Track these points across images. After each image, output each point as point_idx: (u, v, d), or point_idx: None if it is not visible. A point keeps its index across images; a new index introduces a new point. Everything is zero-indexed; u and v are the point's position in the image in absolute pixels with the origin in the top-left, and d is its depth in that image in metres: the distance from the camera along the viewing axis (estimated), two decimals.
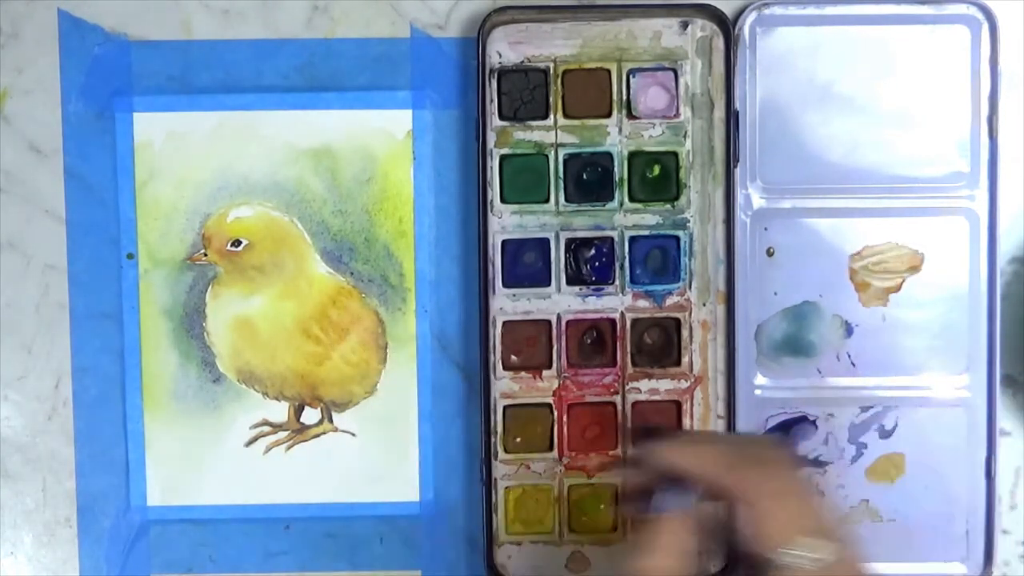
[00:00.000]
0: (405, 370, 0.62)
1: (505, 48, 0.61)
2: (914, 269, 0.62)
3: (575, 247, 0.61)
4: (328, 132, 0.62)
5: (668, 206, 0.61)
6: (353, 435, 0.62)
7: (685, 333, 0.61)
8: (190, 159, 0.61)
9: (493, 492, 0.61)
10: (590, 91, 0.61)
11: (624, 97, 0.61)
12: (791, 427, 0.62)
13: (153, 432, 0.62)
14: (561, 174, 0.61)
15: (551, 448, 0.61)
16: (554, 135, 0.61)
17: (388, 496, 0.62)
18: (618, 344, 0.61)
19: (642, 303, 0.61)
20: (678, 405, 0.61)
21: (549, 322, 0.61)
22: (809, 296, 0.62)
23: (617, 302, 0.61)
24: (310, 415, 0.62)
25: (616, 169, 0.61)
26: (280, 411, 0.62)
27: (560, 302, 0.61)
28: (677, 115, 0.61)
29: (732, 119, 0.61)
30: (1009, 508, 0.63)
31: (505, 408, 0.61)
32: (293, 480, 0.62)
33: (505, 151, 0.61)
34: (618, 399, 0.61)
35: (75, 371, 0.62)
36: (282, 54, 0.62)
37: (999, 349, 0.61)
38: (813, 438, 0.62)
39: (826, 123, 0.61)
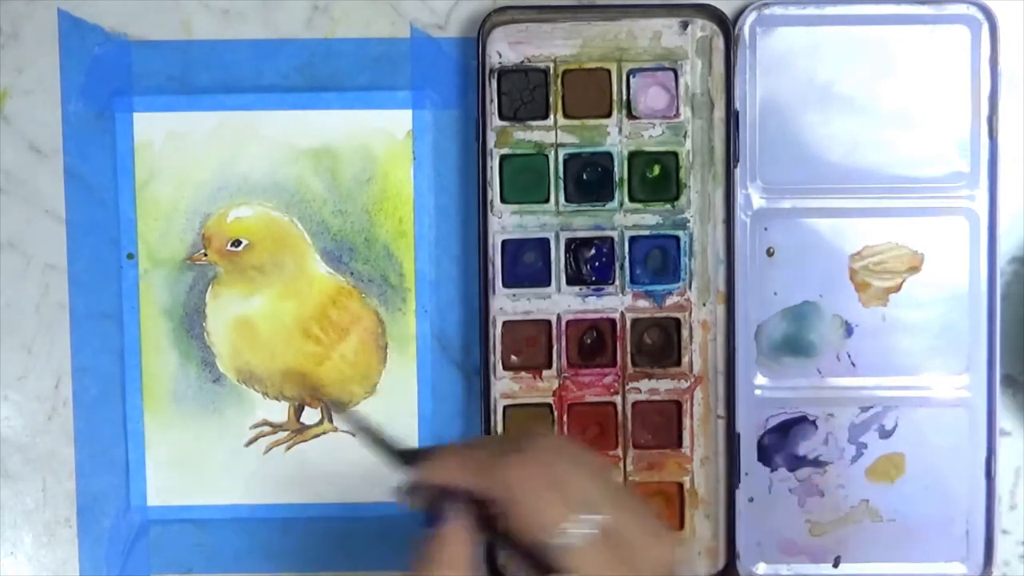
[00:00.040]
0: (405, 370, 0.62)
1: (505, 48, 0.61)
2: (914, 269, 0.62)
3: (575, 247, 0.61)
4: (328, 132, 0.62)
5: (668, 206, 0.61)
6: (353, 435, 0.62)
7: (685, 333, 0.61)
8: (190, 159, 0.62)
9: None
10: (590, 91, 0.61)
11: (624, 97, 0.61)
12: (791, 427, 0.62)
13: (153, 432, 0.62)
14: (561, 174, 0.61)
15: None
16: (554, 135, 0.61)
17: (388, 496, 0.62)
18: (618, 344, 0.61)
19: (642, 303, 0.61)
20: (678, 405, 0.61)
21: (549, 322, 0.61)
22: (809, 296, 0.62)
23: (617, 302, 0.61)
24: (310, 415, 0.62)
25: (616, 169, 0.61)
26: (280, 411, 0.62)
27: (560, 302, 0.61)
28: (677, 115, 0.61)
29: (732, 119, 0.61)
30: (1009, 508, 0.63)
31: (505, 408, 0.61)
32: (293, 480, 0.62)
33: (505, 151, 0.61)
34: (618, 399, 0.61)
35: (75, 371, 0.62)
36: (282, 54, 0.62)
37: (999, 349, 0.61)
38: (813, 438, 0.62)
39: (826, 123, 0.61)
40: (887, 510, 0.62)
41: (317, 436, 0.62)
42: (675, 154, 0.61)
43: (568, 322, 0.61)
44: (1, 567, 0.62)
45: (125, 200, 0.62)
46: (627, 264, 0.61)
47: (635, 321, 0.61)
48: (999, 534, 0.62)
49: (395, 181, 0.62)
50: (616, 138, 0.61)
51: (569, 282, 0.61)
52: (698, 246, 0.61)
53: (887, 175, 0.61)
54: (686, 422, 0.61)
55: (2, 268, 0.62)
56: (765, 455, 0.62)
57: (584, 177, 0.61)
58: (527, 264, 0.61)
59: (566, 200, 0.61)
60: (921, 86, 0.61)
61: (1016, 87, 0.62)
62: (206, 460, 0.62)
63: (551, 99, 0.61)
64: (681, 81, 0.61)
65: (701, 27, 0.61)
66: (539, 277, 0.61)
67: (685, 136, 0.61)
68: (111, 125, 0.61)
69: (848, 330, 0.62)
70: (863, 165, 0.61)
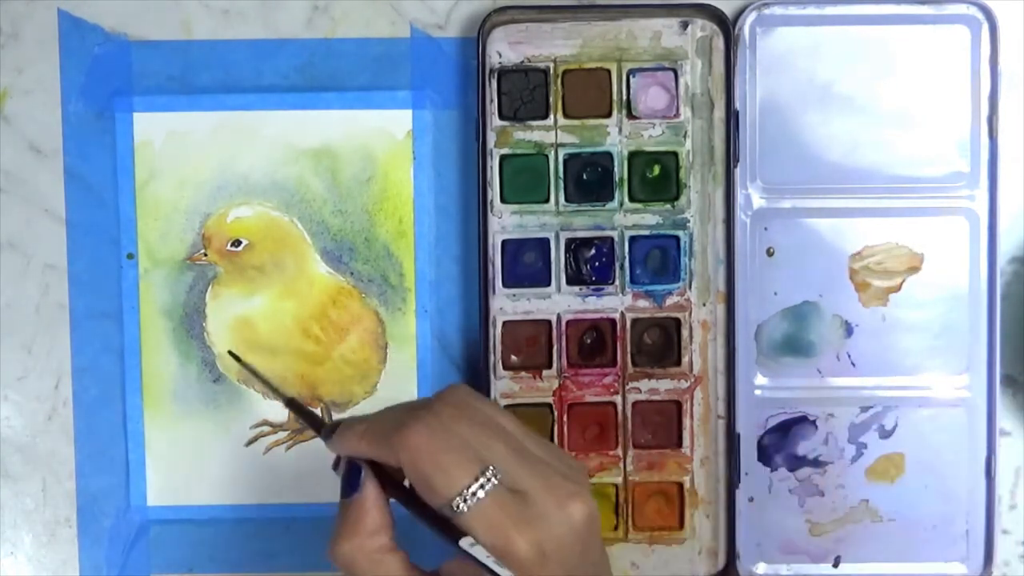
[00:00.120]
0: (405, 370, 0.62)
1: (505, 48, 0.61)
2: (914, 269, 0.62)
3: (575, 247, 0.61)
4: (328, 132, 0.62)
5: (668, 206, 0.61)
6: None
7: (685, 333, 0.61)
8: (190, 159, 0.62)
9: None
10: (590, 91, 0.61)
11: (624, 97, 0.61)
12: (791, 427, 0.62)
13: (153, 432, 0.62)
14: (561, 174, 0.61)
15: None
16: (554, 135, 0.61)
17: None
18: (618, 344, 0.61)
19: (642, 303, 0.61)
20: (678, 405, 0.61)
21: (549, 322, 0.61)
22: (809, 296, 0.62)
23: (617, 302, 0.61)
24: None
25: (616, 169, 0.61)
26: (280, 411, 0.62)
27: (560, 302, 0.61)
28: (677, 115, 0.61)
29: (732, 119, 0.61)
30: (1009, 508, 0.63)
31: (505, 408, 0.61)
32: (293, 480, 0.62)
33: (505, 151, 0.61)
34: (618, 399, 0.61)
35: (75, 371, 0.62)
36: (282, 54, 0.62)
37: (999, 349, 0.61)
38: (813, 438, 0.62)
39: (826, 123, 0.61)
40: (887, 510, 0.62)
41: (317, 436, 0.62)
42: (675, 154, 0.61)
43: (568, 322, 0.61)
44: (1, 567, 0.62)
45: (125, 200, 0.62)
46: (627, 264, 0.61)
47: (635, 321, 0.61)
48: (999, 534, 0.62)
49: (395, 181, 0.62)
50: (616, 138, 0.61)
51: (569, 282, 0.61)
52: (698, 246, 0.61)
53: (887, 175, 0.61)
54: (686, 422, 0.61)
55: (2, 268, 0.62)
56: (765, 455, 0.62)
57: (584, 177, 0.61)
58: (527, 264, 0.61)
59: (566, 200, 0.61)
60: (921, 86, 0.61)
61: (1016, 87, 0.62)
62: (206, 460, 0.62)
63: (551, 99, 0.61)
64: (681, 81, 0.61)
65: (701, 27, 0.61)
66: (539, 277, 0.61)
67: (685, 136, 0.61)
68: (111, 125, 0.61)
69: (848, 330, 0.62)
70: (863, 165, 0.61)
